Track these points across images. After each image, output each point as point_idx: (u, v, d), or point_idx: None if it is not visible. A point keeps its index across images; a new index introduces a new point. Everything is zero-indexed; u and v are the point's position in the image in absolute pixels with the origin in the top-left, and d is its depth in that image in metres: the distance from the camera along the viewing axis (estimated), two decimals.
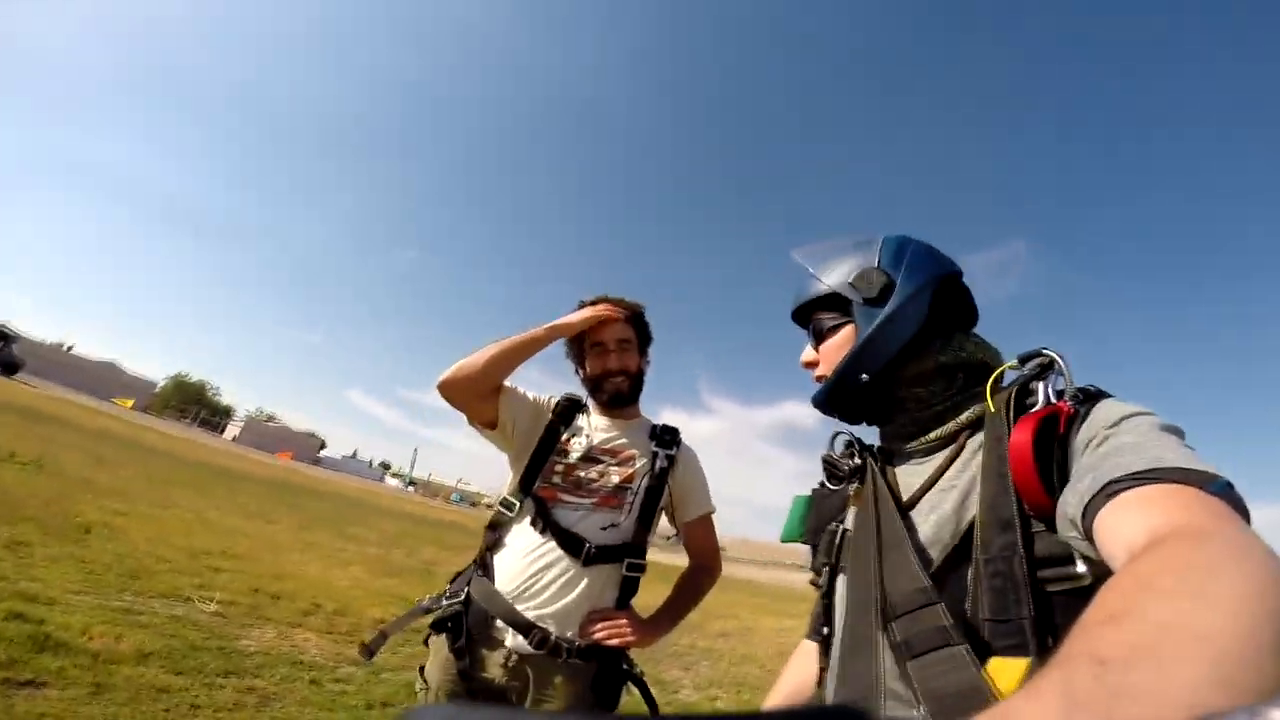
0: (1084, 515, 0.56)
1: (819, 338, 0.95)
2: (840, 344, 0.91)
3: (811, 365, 0.96)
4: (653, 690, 1.55)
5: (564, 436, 1.62)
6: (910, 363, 0.87)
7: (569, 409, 1.68)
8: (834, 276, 0.91)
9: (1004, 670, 0.60)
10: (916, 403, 0.87)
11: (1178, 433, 0.62)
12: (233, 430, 67.47)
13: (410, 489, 65.84)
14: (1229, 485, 0.52)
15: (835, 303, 0.92)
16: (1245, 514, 0.50)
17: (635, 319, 1.72)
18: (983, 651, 0.63)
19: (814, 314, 0.96)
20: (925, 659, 0.65)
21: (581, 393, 1.75)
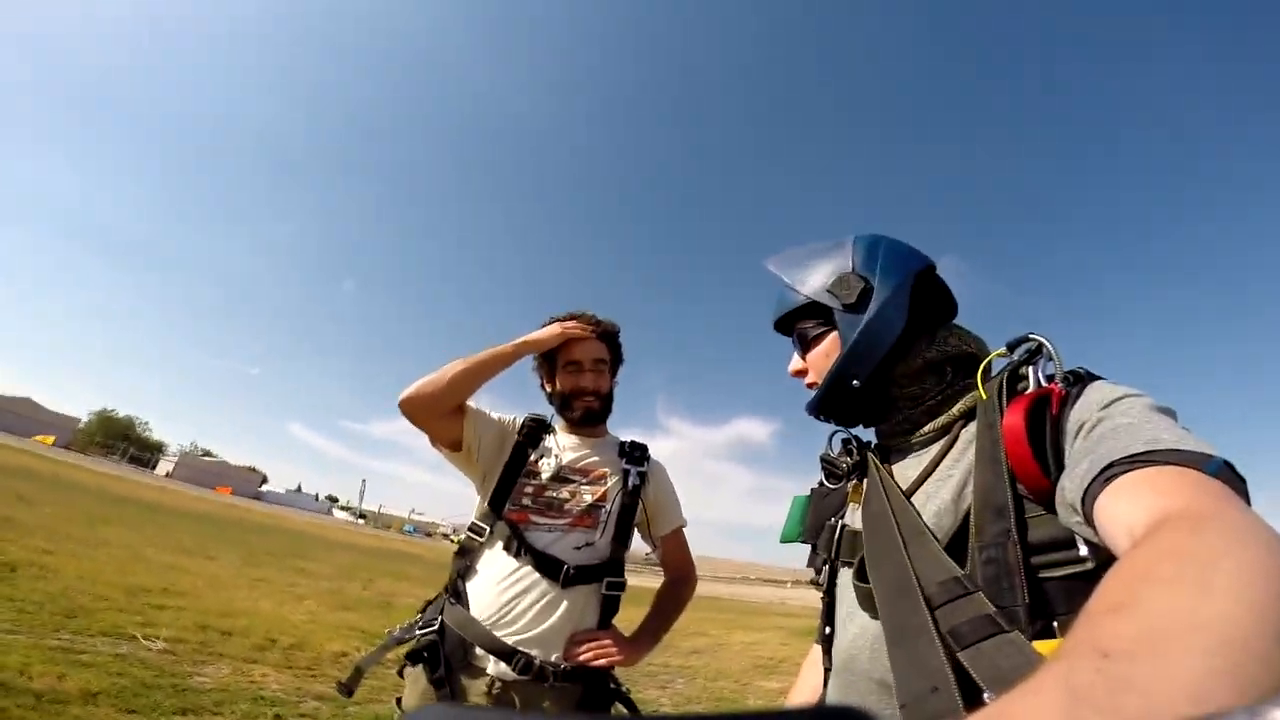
0: (1083, 500, 0.55)
1: (804, 346, 0.94)
2: (827, 351, 0.91)
3: (801, 374, 0.97)
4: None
5: (532, 458, 1.58)
6: (899, 363, 0.87)
7: (535, 429, 1.64)
8: (810, 285, 0.91)
9: (1050, 650, 0.59)
10: (910, 400, 0.88)
11: (1171, 413, 0.62)
12: (165, 466, 63.89)
13: (360, 522, 63.28)
14: (1226, 464, 0.51)
15: (816, 310, 0.92)
16: (1244, 491, 0.50)
17: (609, 339, 1.70)
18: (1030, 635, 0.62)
19: (797, 323, 0.95)
20: (981, 646, 0.62)
21: (546, 411, 1.70)
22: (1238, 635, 0.28)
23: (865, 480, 0.91)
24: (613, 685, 1.49)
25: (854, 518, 0.90)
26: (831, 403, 0.92)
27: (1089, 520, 0.55)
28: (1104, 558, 0.59)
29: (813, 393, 0.93)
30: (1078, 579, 0.61)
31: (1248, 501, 0.49)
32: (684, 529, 1.71)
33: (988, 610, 0.64)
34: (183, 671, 3.38)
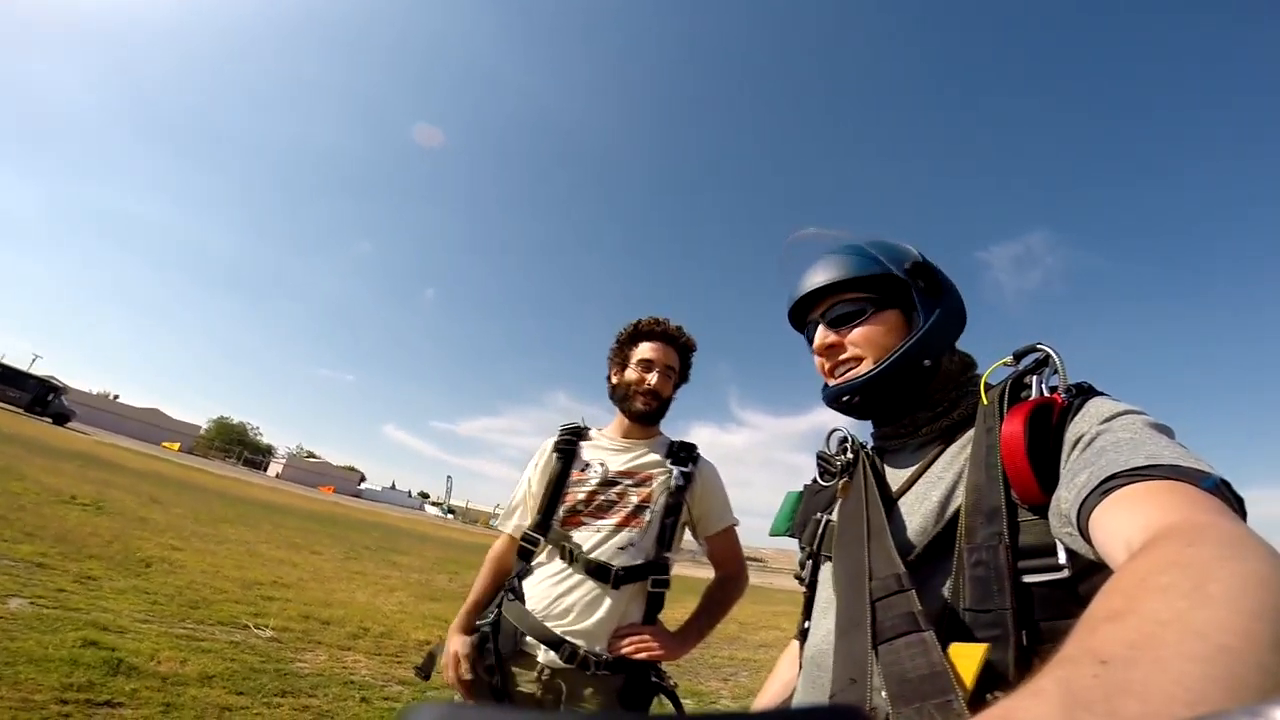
0: (1079, 512, 0.56)
1: (845, 322, 0.91)
2: (886, 329, 0.88)
3: (836, 349, 0.91)
4: (690, 701, 1.60)
5: (575, 470, 1.68)
6: (943, 359, 0.89)
7: (571, 441, 1.74)
8: (891, 259, 0.89)
9: (962, 655, 0.61)
10: (933, 401, 0.88)
11: (1168, 431, 0.62)
12: (275, 468, 69.25)
13: (449, 517, 66.35)
14: (1222, 481, 0.52)
15: (878, 286, 0.90)
16: (1240, 509, 0.51)
17: (684, 351, 1.79)
18: (957, 638, 0.64)
19: (838, 297, 0.92)
20: (894, 643, 0.65)
21: (590, 415, 1.80)
22: (1233, 642, 0.28)
23: (851, 478, 0.92)
24: (655, 678, 1.55)
25: (839, 511, 0.92)
26: (883, 384, 0.87)
27: (1083, 532, 0.56)
28: (1081, 567, 0.61)
29: (864, 370, 0.88)
30: (1057, 587, 0.62)
31: (1244, 518, 0.51)
32: (735, 528, 1.74)
33: (912, 608, 0.66)
34: (286, 657, 3.78)
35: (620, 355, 1.78)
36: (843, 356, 0.90)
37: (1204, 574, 0.35)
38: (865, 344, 0.88)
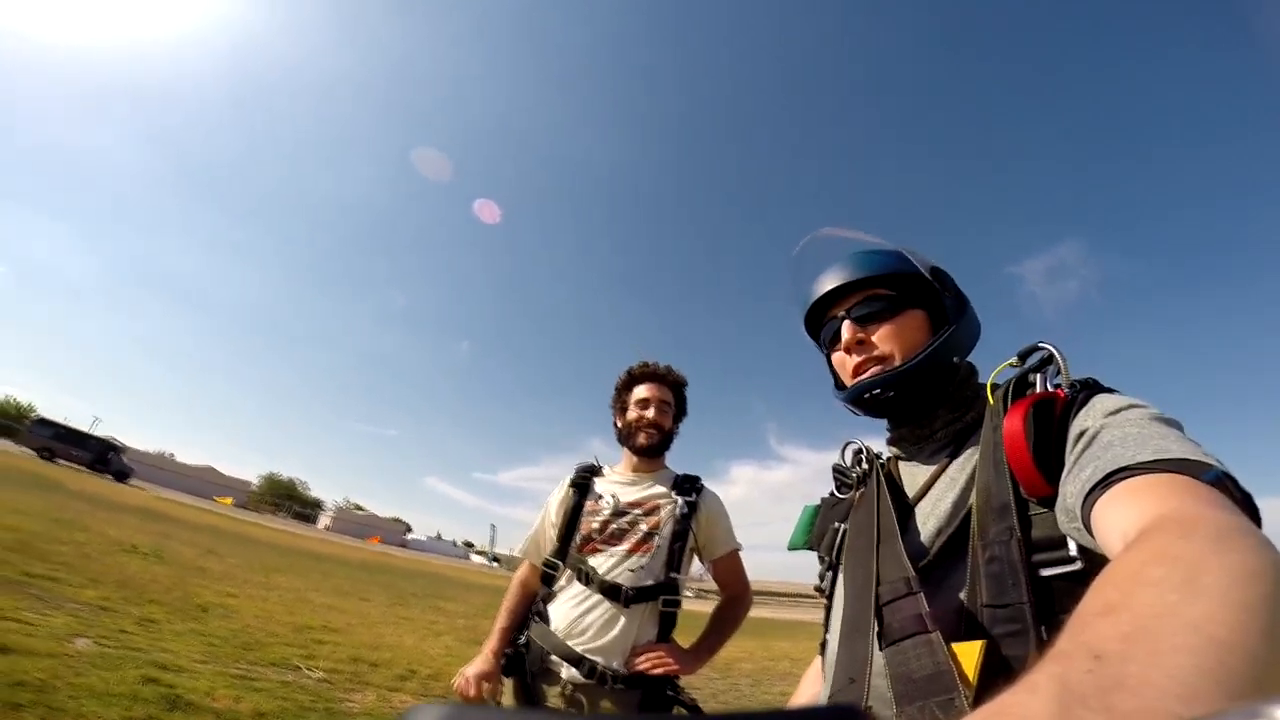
0: (1083, 505, 0.56)
1: (872, 319, 0.90)
2: (914, 327, 0.89)
3: (867, 345, 0.90)
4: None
5: (589, 503, 1.83)
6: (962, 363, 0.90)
7: (586, 477, 1.91)
8: (912, 262, 0.91)
9: (963, 653, 0.62)
10: (949, 399, 0.89)
11: (1176, 424, 0.62)
12: (324, 520, 70.61)
13: (494, 564, 66.26)
14: (1225, 474, 0.51)
15: (899, 285, 0.90)
16: (1243, 501, 0.50)
17: (676, 387, 1.98)
18: (976, 635, 0.64)
19: (866, 293, 0.91)
20: (902, 645, 0.66)
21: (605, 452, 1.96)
22: (1225, 634, 0.28)
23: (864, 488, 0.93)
24: (670, 692, 1.66)
25: (851, 521, 0.93)
26: (916, 379, 0.86)
27: (1087, 526, 0.56)
28: (1095, 560, 0.60)
29: (893, 367, 0.87)
30: (1073, 579, 0.62)
31: (1254, 514, 0.50)
32: (739, 553, 1.89)
33: (920, 610, 0.67)
34: (335, 697, 3.77)
35: (620, 400, 1.97)
36: (874, 354, 0.89)
37: (1196, 567, 0.35)
38: (894, 340, 0.88)
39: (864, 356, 0.90)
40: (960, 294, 0.93)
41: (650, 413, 1.88)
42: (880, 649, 0.69)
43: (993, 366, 0.86)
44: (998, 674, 0.60)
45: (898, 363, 0.86)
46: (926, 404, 0.89)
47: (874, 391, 0.88)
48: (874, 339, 0.89)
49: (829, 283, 0.93)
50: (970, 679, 0.60)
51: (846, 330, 0.91)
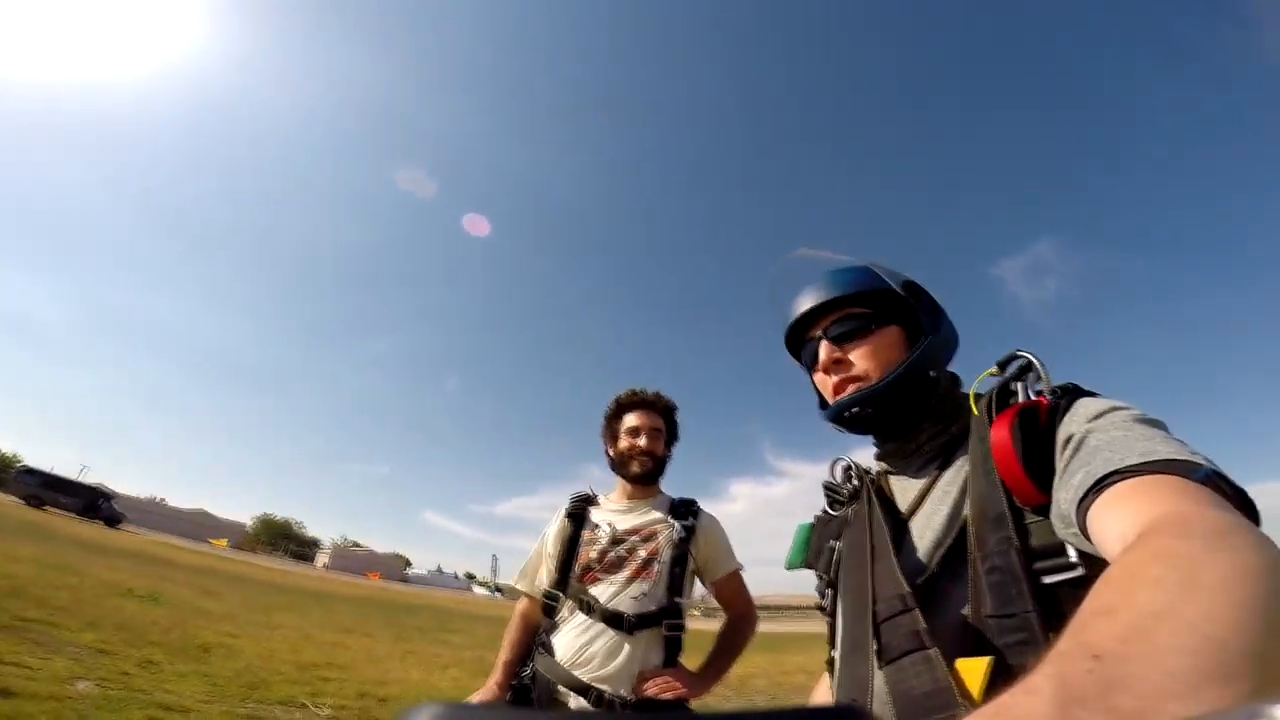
0: (1077, 511, 0.56)
1: (849, 338, 0.90)
2: (889, 344, 0.89)
3: (841, 365, 0.90)
4: None
5: (586, 532, 1.81)
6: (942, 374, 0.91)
7: (581, 507, 1.88)
8: (882, 277, 0.92)
9: (968, 669, 0.61)
10: (932, 412, 0.89)
11: (1160, 425, 0.62)
12: (322, 559, 69.66)
13: (497, 595, 65.33)
14: (1215, 473, 0.52)
15: (877, 303, 0.91)
16: (1236, 498, 0.50)
17: (666, 413, 1.95)
18: (980, 647, 0.63)
19: (841, 313, 0.92)
20: (900, 663, 0.66)
21: (598, 481, 1.92)
22: (1223, 633, 0.28)
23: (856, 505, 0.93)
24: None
25: (845, 538, 0.93)
26: (893, 395, 0.86)
27: (1083, 531, 0.56)
28: (1096, 565, 0.59)
29: (870, 384, 0.87)
30: (1077, 585, 0.61)
31: (1248, 509, 0.50)
32: (740, 573, 1.86)
33: (918, 626, 0.67)
34: None
35: (610, 430, 1.94)
36: (851, 373, 0.89)
37: (1194, 565, 0.35)
38: (870, 358, 0.88)
39: (842, 376, 0.90)
40: (935, 306, 0.93)
41: (642, 441, 1.85)
42: (880, 667, 0.69)
43: (979, 372, 0.86)
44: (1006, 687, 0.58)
45: (875, 380, 0.87)
46: (909, 418, 0.90)
47: (853, 410, 0.88)
48: (851, 358, 0.90)
49: (803, 305, 0.95)
50: (975, 695, 0.59)
51: (823, 351, 0.92)
